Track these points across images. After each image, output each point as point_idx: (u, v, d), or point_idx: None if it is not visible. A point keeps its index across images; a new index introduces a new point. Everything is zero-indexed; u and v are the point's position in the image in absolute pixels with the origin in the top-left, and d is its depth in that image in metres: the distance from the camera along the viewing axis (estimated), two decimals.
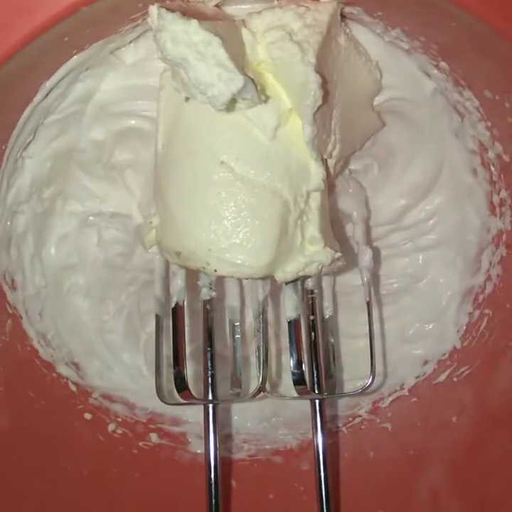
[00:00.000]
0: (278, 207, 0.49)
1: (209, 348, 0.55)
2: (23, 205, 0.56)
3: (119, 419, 0.63)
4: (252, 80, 0.45)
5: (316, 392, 0.55)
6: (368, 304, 0.56)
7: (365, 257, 0.56)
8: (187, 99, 0.47)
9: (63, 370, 0.61)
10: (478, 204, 0.59)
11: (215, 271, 0.49)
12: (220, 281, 0.58)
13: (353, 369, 0.64)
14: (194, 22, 0.43)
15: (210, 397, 0.54)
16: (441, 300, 0.63)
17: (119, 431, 0.63)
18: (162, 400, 0.54)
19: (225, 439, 0.65)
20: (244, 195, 0.48)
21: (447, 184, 0.60)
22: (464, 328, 0.62)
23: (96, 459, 0.61)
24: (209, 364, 0.55)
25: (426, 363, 0.63)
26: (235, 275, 0.50)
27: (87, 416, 0.62)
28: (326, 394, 0.56)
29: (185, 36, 0.43)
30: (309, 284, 0.57)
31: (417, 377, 0.64)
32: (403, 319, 0.64)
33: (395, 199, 0.60)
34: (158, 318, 0.55)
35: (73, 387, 0.62)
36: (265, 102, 0.47)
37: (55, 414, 0.60)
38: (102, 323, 0.63)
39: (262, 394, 0.56)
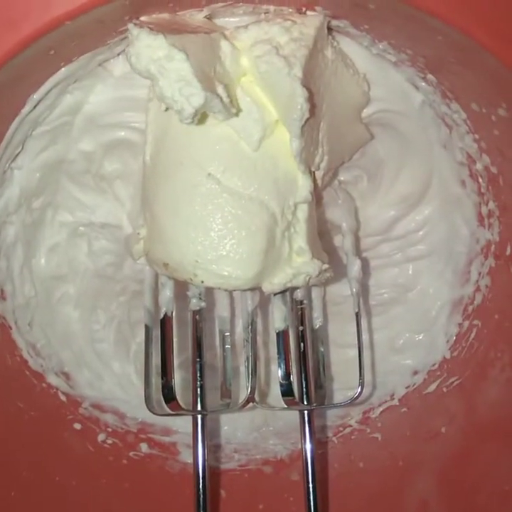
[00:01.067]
0: (265, 218, 0.49)
1: (198, 359, 0.55)
2: (11, 215, 0.56)
3: (109, 429, 0.63)
4: (217, 95, 0.45)
5: (305, 402, 0.56)
6: (357, 314, 0.56)
7: (354, 267, 0.56)
8: (166, 109, 0.47)
9: (53, 379, 0.62)
10: (467, 215, 0.59)
11: (202, 282, 0.50)
12: (209, 292, 0.58)
13: (344, 379, 0.64)
14: (159, 37, 0.43)
15: (199, 408, 0.54)
16: (431, 310, 0.63)
17: (109, 441, 0.63)
18: (151, 411, 0.54)
19: (215, 449, 0.65)
20: (231, 207, 0.49)
21: (436, 195, 0.60)
22: (454, 338, 0.62)
23: (85, 470, 0.61)
24: (198, 374, 0.55)
25: (416, 373, 0.63)
26: (222, 287, 0.50)
27: (77, 426, 0.62)
28: (314, 405, 0.56)
29: (148, 51, 0.44)
30: (298, 294, 0.57)
31: (407, 388, 0.64)
32: (393, 329, 0.64)
33: (385, 210, 0.61)
34: (147, 329, 0.55)
35: (63, 397, 0.62)
36: (237, 114, 0.47)
37: (44, 424, 0.60)
38: (92, 333, 0.63)
39: (251, 404, 0.56)
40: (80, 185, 0.58)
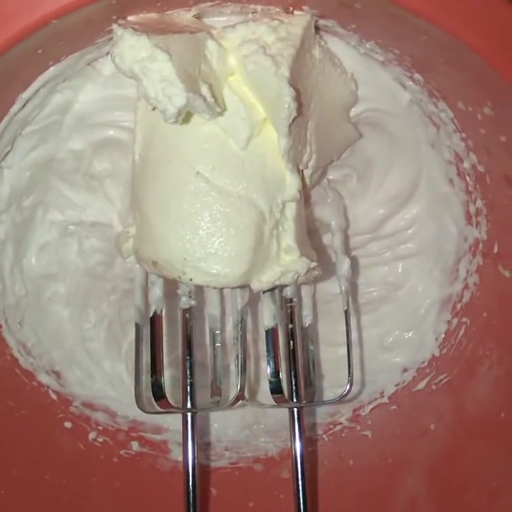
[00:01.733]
0: (253, 217, 0.49)
1: (188, 357, 0.55)
2: (1, 214, 0.56)
3: (100, 428, 0.63)
4: (201, 95, 0.45)
5: (294, 400, 0.56)
6: (346, 312, 0.56)
7: (343, 266, 0.56)
8: (153, 108, 0.47)
9: (44, 378, 0.62)
10: (455, 213, 0.59)
11: (191, 280, 0.50)
12: (199, 290, 0.58)
13: (334, 376, 0.64)
14: (143, 37, 0.44)
15: (189, 406, 0.54)
16: (420, 308, 0.63)
17: (100, 439, 0.63)
18: (141, 409, 0.54)
19: (205, 446, 0.65)
20: (220, 205, 0.49)
21: (425, 194, 0.60)
22: (443, 336, 0.62)
23: (76, 468, 0.61)
24: (188, 372, 0.55)
25: (405, 370, 0.64)
26: (210, 284, 0.50)
27: (68, 424, 0.62)
28: (303, 402, 0.56)
29: (132, 52, 0.44)
30: (288, 292, 0.57)
31: (396, 385, 0.64)
32: (383, 327, 0.64)
33: (374, 208, 0.61)
34: (137, 327, 0.55)
35: (54, 396, 0.62)
36: (221, 114, 0.48)
37: (35, 423, 0.60)
38: (83, 332, 0.63)
39: (240, 402, 0.56)
40: (70, 184, 0.58)
